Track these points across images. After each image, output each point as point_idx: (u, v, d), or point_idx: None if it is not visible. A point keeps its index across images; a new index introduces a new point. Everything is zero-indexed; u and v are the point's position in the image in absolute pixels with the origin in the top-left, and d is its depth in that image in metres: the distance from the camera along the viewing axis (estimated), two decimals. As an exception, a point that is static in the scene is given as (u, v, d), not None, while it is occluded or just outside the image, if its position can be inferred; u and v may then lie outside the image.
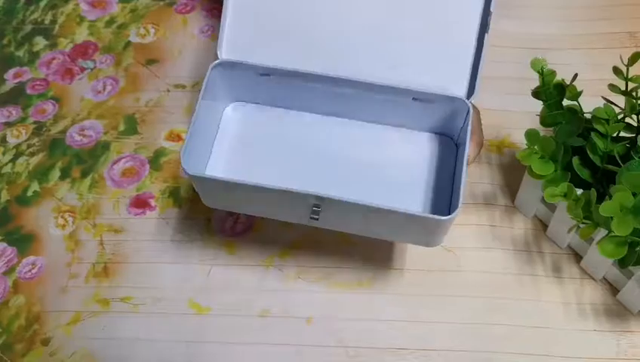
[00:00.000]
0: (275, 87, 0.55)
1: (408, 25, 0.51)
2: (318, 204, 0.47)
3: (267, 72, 0.53)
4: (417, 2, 0.51)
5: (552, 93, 0.52)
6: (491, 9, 0.48)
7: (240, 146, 0.55)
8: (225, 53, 0.54)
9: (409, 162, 0.54)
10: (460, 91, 0.51)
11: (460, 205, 0.46)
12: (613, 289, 0.55)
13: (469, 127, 0.49)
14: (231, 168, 0.54)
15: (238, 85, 0.55)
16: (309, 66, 0.52)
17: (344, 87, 0.53)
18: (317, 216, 0.48)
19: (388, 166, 0.54)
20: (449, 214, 0.46)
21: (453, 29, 0.51)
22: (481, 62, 0.50)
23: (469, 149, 0.52)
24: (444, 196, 0.52)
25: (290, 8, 0.53)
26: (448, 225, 0.47)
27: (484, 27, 0.50)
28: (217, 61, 0.53)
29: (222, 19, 0.53)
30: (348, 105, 0.55)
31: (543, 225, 0.59)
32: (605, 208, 0.46)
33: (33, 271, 0.59)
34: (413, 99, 0.52)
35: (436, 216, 0.46)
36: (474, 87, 0.50)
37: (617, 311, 0.54)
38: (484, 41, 0.50)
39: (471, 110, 0.49)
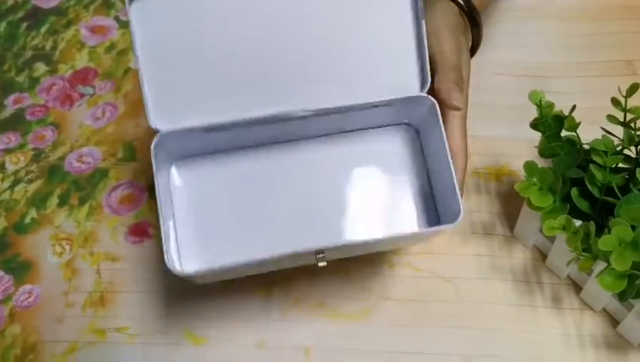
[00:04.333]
0: (220, 139, 0.52)
1: (345, 42, 0.51)
2: (322, 250, 0.46)
3: (212, 129, 0.50)
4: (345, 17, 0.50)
5: (551, 124, 0.52)
6: None
7: (202, 210, 0.52)
8: (156, 121, 0.50)
9: (384, 160, 0.55)
10: (415, 85, 0.52)
11: (462, 212, 0.47)
12: (614, 321, 0.55)
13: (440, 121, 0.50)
14: (207, 240, 0.52)
15: (180, 149, 0.52)
16: (250, 107, 0.50)
17: (298, 121, 0.51)
18: (324, 262, 0.47)
19: (365, 176, 0.54)
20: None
21: (388, 30, 0.51)
22: (425, 50, 0.51)
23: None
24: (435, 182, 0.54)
25: (213, 55, 0.50)
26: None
27: (418, 17, 0.50)
28: (156, 140, 0.49)
29: (142, 87, 0.50)
30: (300, 129, 0.53)
31: (542, 255, 0.59)
32: (604, 242, 0.45)
33: (29, 299, 0.59)
34: (373, 107, 0.52)
35: (444, 227, 0.48)
36: (426, 77, 0.51)
37: (617, 343, 0.54)
38: (422, 29, 0.50)
39: (436, 104, 0.50)
